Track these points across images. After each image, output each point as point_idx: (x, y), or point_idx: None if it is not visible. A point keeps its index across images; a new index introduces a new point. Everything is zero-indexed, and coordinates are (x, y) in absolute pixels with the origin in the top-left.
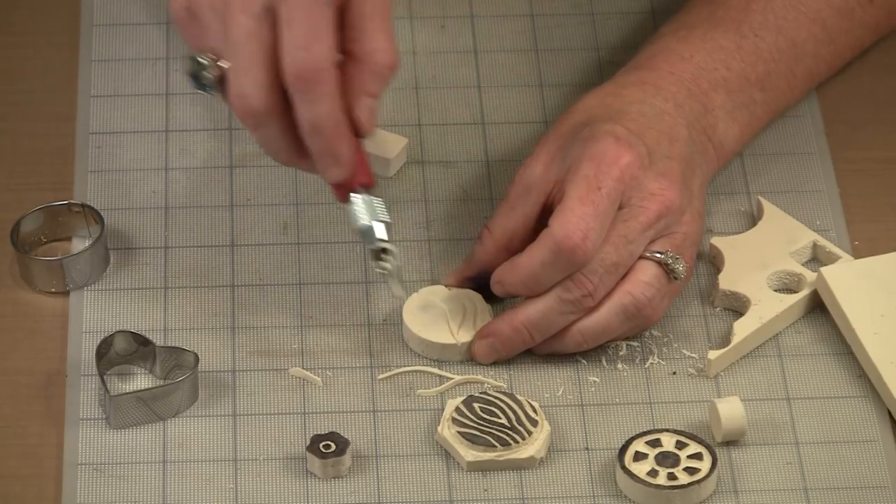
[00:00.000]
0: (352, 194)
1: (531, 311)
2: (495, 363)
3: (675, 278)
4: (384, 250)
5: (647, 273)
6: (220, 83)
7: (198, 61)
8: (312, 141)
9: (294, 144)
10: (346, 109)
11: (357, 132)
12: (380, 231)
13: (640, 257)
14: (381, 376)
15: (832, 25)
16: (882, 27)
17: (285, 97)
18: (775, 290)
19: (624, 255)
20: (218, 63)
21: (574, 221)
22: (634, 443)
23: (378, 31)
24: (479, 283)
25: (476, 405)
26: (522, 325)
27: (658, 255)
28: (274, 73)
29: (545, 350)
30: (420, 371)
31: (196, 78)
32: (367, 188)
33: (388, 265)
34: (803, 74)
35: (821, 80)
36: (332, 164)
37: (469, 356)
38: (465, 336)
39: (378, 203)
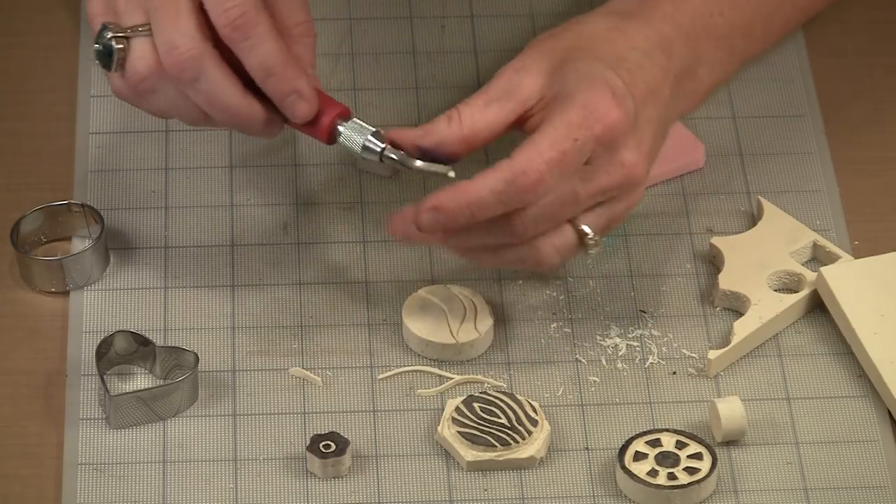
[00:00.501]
0: (338, 128)
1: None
2: (495, 361)
3: (587, 254)
4: (386, 154)
5: (564, 237)
6: (124, 52)
7: (105, 27)
8: (269, 85)
9: (238, 88)
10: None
11: None
12: (376, 142)
13: (569, 221)
14: (381, 376)
15: None
16: None
17: (218, 49)
18: (775, 290)
19: (566, 212)
20: (128, 29)
21: (537, 162)
22: (634, 443)
23: (295, 6)
24: (424, 156)
25: (476, 405)
26: (459, 209)
27: (584, 229)
28: (201, 25)
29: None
30: (420, 371)
31: (100, 51)
32: (345, 117)
33: (398, 158)
34: (780, 23)
35: (792, 30)
36: (297, 101)
37: (469, 356)
38: (465, 336)
39: (358, 121)
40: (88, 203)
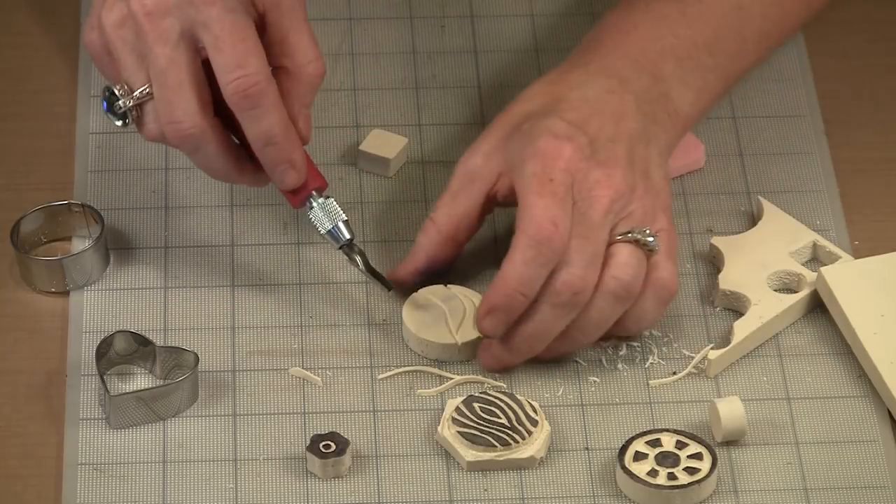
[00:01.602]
0: (310, 199)
1: (529, 328)
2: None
3: (651, 250)
4: (351, 245)
5: (622, 254)
6: (136, 113)
7: (112, 92)
8: (265, 153)
9: (233, 161)
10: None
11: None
12: (344, 230)
13: (611, 243)
14: (381, 376)
15: None
16: None
17: (217, 116)
18: (775, 290)
19: (597, 243)
20: (133, 94)
21: (539, 213)
22: (634, 443)
23: (303, 43)
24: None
25: (476, 405)
26: (523, 341)
27: (626, 235)
28: (202, 97)
29: (551, 355)
30: (420, 371)
31: (112, 110)
32: (321, 191)
33: (358, 258)
34: (753, 37)
35: (774, 42)
36: (289, 171)
37: (468, 356)
38: (464, 336)
39: (331, 203)
40: (88, 203)
